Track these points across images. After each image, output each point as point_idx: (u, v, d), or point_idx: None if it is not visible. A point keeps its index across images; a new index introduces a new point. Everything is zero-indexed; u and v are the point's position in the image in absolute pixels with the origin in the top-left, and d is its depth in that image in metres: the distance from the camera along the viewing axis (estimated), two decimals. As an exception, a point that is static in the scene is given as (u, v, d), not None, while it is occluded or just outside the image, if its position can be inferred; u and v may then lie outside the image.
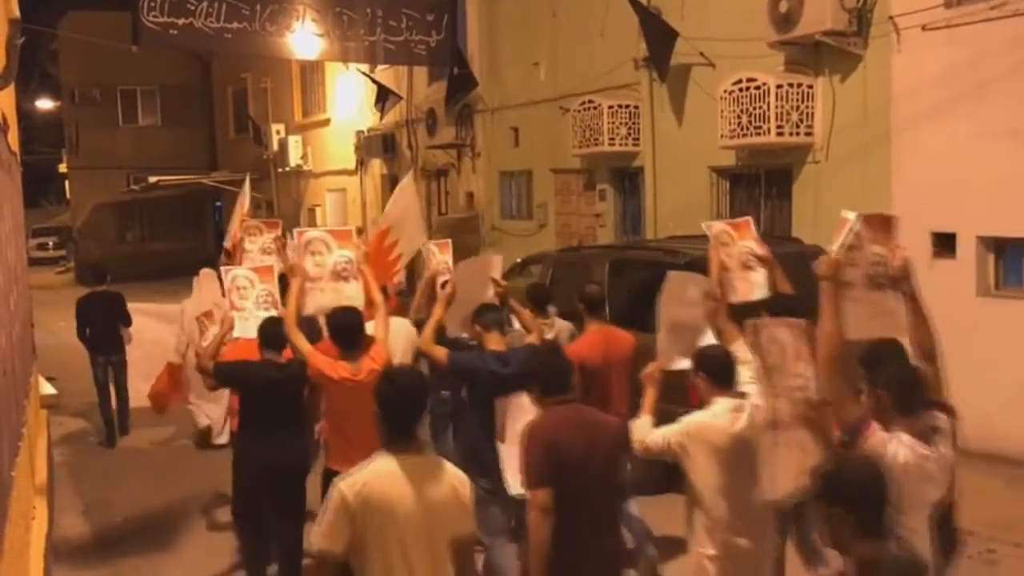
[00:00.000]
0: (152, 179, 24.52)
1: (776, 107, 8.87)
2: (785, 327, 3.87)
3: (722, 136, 9.39)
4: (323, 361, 4.93)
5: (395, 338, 5.57)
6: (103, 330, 9.37)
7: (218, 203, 25.29)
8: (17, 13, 5.16)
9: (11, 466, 4.13)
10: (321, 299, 5.47)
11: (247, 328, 5.54)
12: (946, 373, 3.86)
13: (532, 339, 5.55)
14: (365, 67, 16.84)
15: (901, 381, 3.44)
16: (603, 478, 3.82)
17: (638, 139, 11.36)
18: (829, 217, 8.93)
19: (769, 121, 8.89)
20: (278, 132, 22.12)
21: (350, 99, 19.45)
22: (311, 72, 21.85)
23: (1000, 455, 7.39)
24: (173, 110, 29.09)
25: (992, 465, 7.40)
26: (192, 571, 6.42)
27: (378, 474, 3.13)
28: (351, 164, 19.70)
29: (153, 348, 8.38)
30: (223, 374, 5.35)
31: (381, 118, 17.28)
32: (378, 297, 5.41)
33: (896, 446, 3.29)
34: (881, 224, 4.10)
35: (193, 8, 11.42)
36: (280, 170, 22.19)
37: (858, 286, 3.80)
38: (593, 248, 10.45)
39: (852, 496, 2.78)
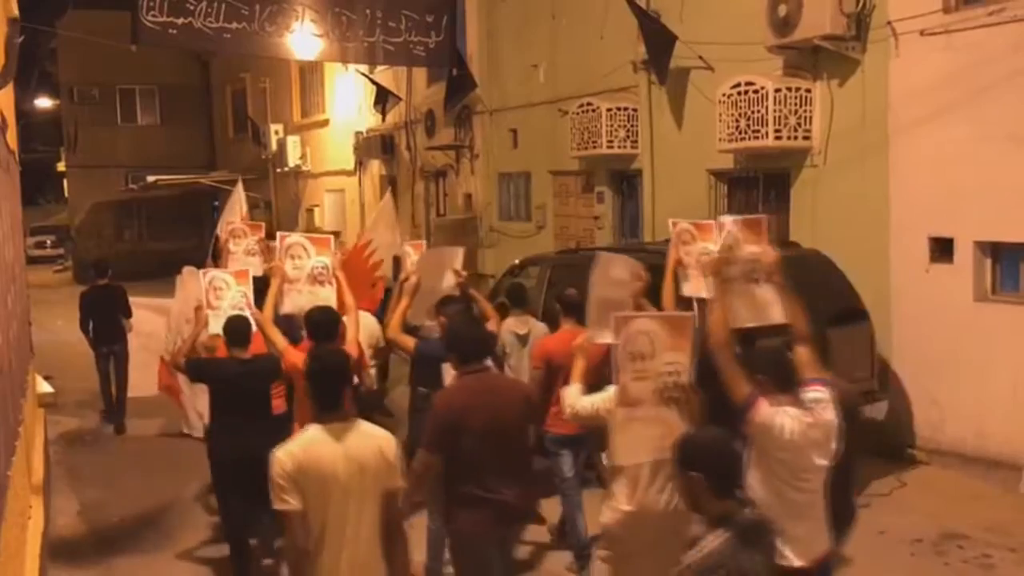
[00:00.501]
0: (150, 178, 24.53)
1: (774, 111, 8.87)
2: (657, 321, 4.27)
3: (720, 139, 9.40)
4: (297, 355, 5.21)
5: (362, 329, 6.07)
6: (106, 322, 9.89)
7: (216, 203, 25.26)
8: (16, 12, 5.17)
9: (8, 465, 4.13)
10: (298, 300, 5.92)
11: (219, 326, 5.93)
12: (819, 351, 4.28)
13: (490, 326, 6.04)
14: (364, 68, 16.85)
15: (776, 364, 3.92)
16: (506, 440, 4.24)
17: (636, 142, 11.37)
18: (827, 221, 8.98)
19: (767, 125, 8.89)
20: (277, 132, 22.13)
21: (349, 100, 19.46)
22: (310, 72, 21.86)
23: (997, 460, 7.41)
24: (172, 109, 29.08)
25: (989, 470, 7.42)
26: (188, 571, 6.43)
27: (311, 441, 3.60)
28: (350, 165, 19.70)
29: (149, 340, 8.81)
30: (193, 370, 5.93)
31: (383, 119, 17.29)
32: (349, 300, 5.85)
33: (783, 418, 3.77)
34: (754, 226, 4.66)
35: (192, 8, 11.41)
36: (279, 170, 22.20)
37: (738, 280, 4.42)
38: (591, 250, 10.47)
39: (705, 461, 3.09)
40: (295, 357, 5.20)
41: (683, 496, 3.25)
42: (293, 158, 21.56)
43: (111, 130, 28.56)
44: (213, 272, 6.42)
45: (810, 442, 3.80)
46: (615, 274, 5.25)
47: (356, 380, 5.93)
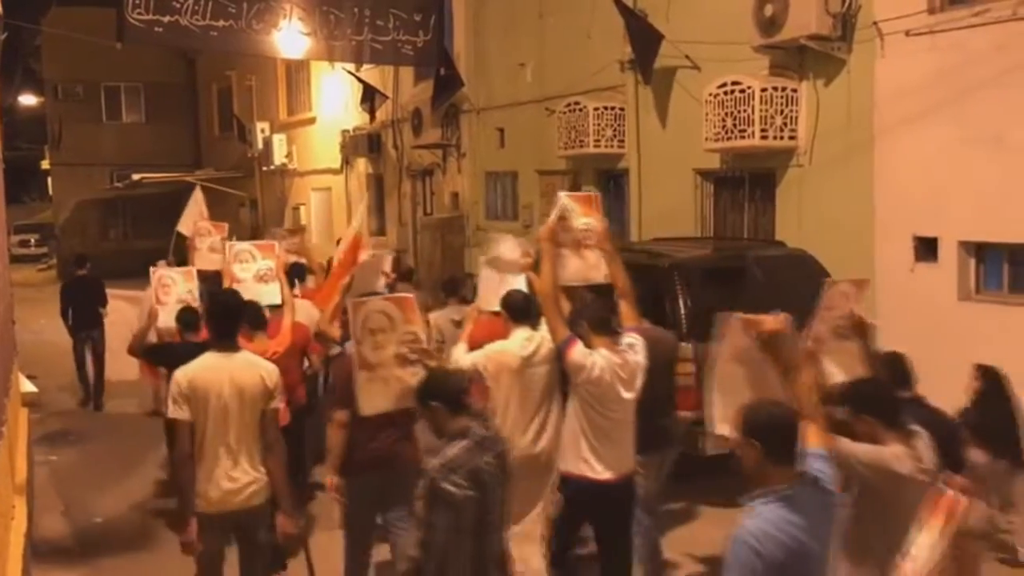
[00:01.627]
0: (135, 176, 24.42)
1: (760, 110, 8.90)
2: (387, 301, 5.04)
3: (707, 139, 9.42)
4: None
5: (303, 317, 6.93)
6: (84, 310, 10.84)
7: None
8: (0, 9, 5.13)
9: (-10, 465, 4.10)
10: (244, 295, 6.44)
11: (169, 319, 6.83)
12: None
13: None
14: (351, 66, 16.80)
15: (596, 313, 4.82)
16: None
17: (623, 141, 11.38)
18: (812, 220, 9.01)
19: (753, 124, 8.92)
20: (263, 130, 22.05)
21: (336, 98, 19.40)
22: (297, 71, 21.79)
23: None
24: (157, 107, 28.93)
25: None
26: (172, 571, 6.40)
27: (203, 366, 4.42)
28: (336, 163, 19.65)
29: (123, 328, 9.22)
30: (150, 354, 6.63)
31: (371, 119, 17.24)
32: (288, 295, 6.75)
33: (595, 358, 4.60)
34: (587, 200, 5.37)
35: (178, 6, 11.37)
36: (265, 168, 22.13)
37: (569, 246, 5.15)
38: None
39: (438, 391, 3.86)
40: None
41: (429, 422, 3.95)
42: (279, 156, 21.48)
43: (96, 128, 28.39)
44: (162, 270, 7.40)
45: (617, 378, 4.63)
46: (505, 253, 5.87)
47: (306, 363, 6.74)
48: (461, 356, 5.39)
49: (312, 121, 20.94)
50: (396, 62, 14.91)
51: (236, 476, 4.40)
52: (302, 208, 21.72)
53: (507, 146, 14.07)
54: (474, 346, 5.45)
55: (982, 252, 7.85)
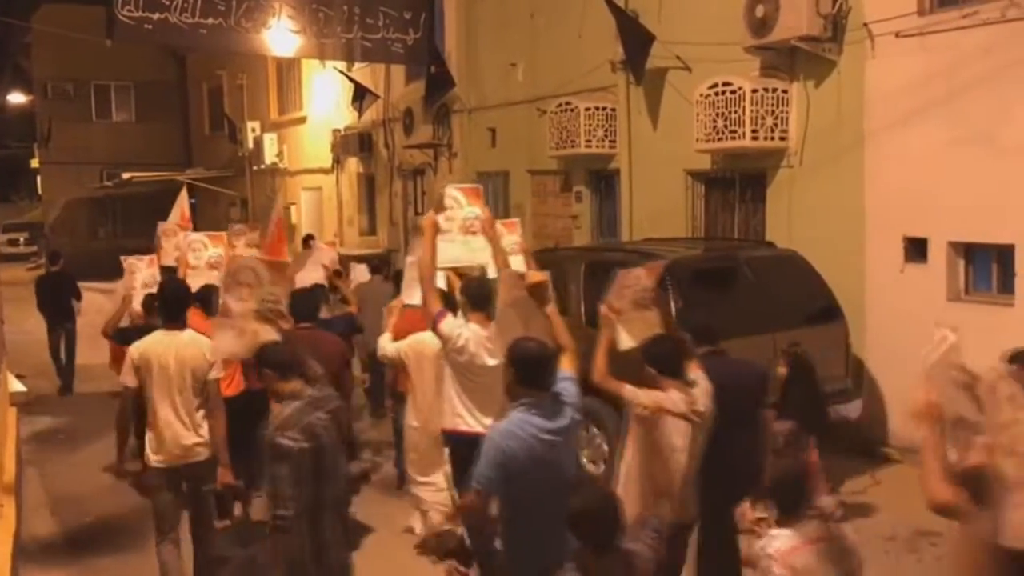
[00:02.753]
0: (125, 175, 24.31)
1: (751, 111, 8.92)
2: (263, 263, 5.56)
3: (698, 139, 9.43)
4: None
5: None
6: (58, 303, 11.67)
7: (192, 200, 25.09)
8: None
9: (-22, 464, 4.09)
10: (198, 279, 7.25)
11: (137, 303, 7.68)
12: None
13: (351, 309, 7.88)
14: (342, 65, 16.78)
15: (473, 289, 5.30)
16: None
17: (615, 141, 11.39)
18: (803, 221, 9.03)
19: (744, 125, 8.94)
20: (253, 130, 21.99)
21: (327, 97, 19.37)
22: (287, 69, 21.73)
23: (968, 458, 7.48)
24: (147, 106, 28.81)
25: (960, 468, 7.48)
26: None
27: (152, 341, 5.20)
28: (327, 162, 19.61)
29: (97, 317, 9.85)
30: (120, 337, 7.15)
31: (359, 117, 17.22)
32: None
33: (462, 330, 5.17)
34: (473, 192, 5.69)
35: (168, 3, 11.34)
36: (255, 168, 22.06)
37: (455, 232, 5.49)
38: (569, 249, 10.48)
39: (272, 363, 4.37)
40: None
41: (266, 386, 4.42)
42: (270, 156, 21.42)
43: (86, 126, 28.26)
44: (130, 259, 8.15)
45: (484, 349, 5.13)
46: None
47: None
48: (386, 345, 6.09)
49: (303, 120, 20.90)
50: (386, 60, 14.88)
51: (182, 436, 5.14)
52: (292, 208, 21.67)
53: (498, 146, 14.07)
54: (398, 336, 6.09)
55: (971, 253, 7.88)
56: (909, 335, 8.11)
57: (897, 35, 7.99)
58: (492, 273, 5.44)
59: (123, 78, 28.05)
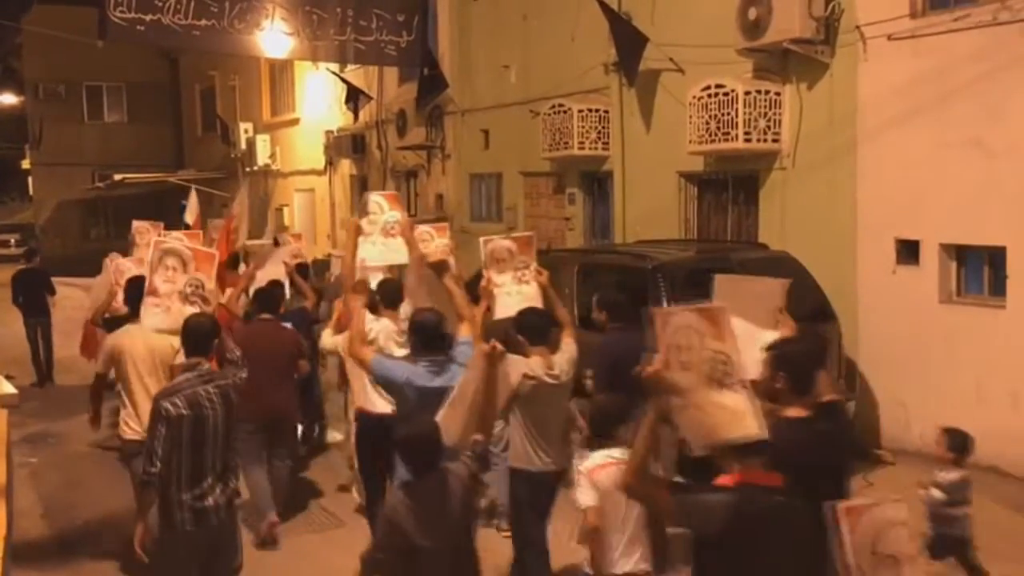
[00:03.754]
0: (117, 177, 24.26)
1: (744, 113, 8.93)
2: (191, 251, 6.01)
3: (690, 141, 9.45)
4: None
5: None
6: (33, 298, 12.30)
7: (184, 202, 25.01)
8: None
9: (-31, 467, 4.07)
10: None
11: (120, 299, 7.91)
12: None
13: (307, 304, 8.30)
14: (335, 67, 16.76)
15: (386, 289, 5.92)
16: (273, 368, 6.61)
17: (608, 143, 11.40)
18: (795, 223, 9.05)
19: (737, 127, 8.95)
20: (246, 131, 21.96)
21: (320, 99, 19.35)
22: (280, 71, 21.71)
23: (960, 460, 7.50)
24: (139, 107, 28.76)
25: (952, 469, 7.50)
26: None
27: (124, 333, 6.03)
28: (320, 164, 19.59)
29: (74, 312, 10.64)
30: (108, 326, 7.34)
31: (355, 119, 17.20)
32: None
33: (372, 324, 5.77)
34: (393, 197, 6.35)
35: (161, 4, 11.29)
36: (248, 169, 22.02)
37: (376, 234, 6.01)
38: (562, 251, 10.48)
39: (184, 340, 4.84)
40: None
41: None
42: (262, 157, 21.40)
43: (77, 127, 28.21)
44: (118, 260, 8.62)
45: (393, 341, 5.91)
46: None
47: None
48: (326, 338, 6.40)
49: (296, 122, 20.87)
50: (379, 62, 14.85)
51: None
52: (285, 209, 21.64)
53: (492, 148, 14.07)
54: (340, 331, 6.26)
55: (963, 255, 7.91)
56: (901, 337, 8.15)
57: (889, 38, 8.02)
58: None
59: (115, 79, 28.01)
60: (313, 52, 13.43)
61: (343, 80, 17.03)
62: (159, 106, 28.72)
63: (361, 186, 18.42)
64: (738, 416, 3.14)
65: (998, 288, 7.66)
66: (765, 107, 9.03)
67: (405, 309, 5.78)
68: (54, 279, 12.89)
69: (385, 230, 6.08)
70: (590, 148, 11.37)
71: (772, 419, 3.28)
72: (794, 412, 3.49)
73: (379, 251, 6.04)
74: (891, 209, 8.17)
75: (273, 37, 12.37)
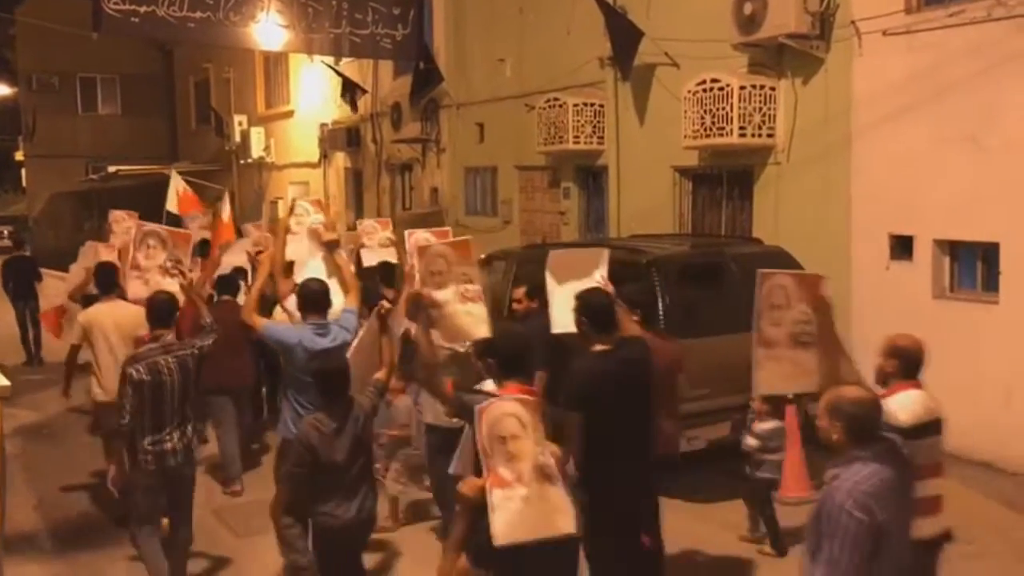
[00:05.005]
0: (111, 169, 24.17)
1: (739, 108, 8.94)
2: (168, 231, 7.25)
3: (685, 136, 9.45)
4: None
5: None
6: (22, 283, 13.36)
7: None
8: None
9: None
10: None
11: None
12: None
13: (350, 301, 8.69)
14: (330, 59, 16.73)
15: (305, 292, 5.75)
16: (233, 342, 7.00)
17: (603, 137, 11.40)
18: (789, 218, 9.06)
19: (732, 122, 8.96)
20: (240, 123, 21.91)
21: (314, 91, 19.31)
22: (275, 63, 21.65)
23: (955, 455, 7.51)
24: (133, 99, 28.68)
25: (947, 465, 7.52)
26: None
27: (94, 310, 6.93)
28: (314, 157, 19.56)
29: (55, 300, 10.91)
30: (84, 302, 7.94)
31: (352, 112, 17.16)
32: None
33: (296, 329, 5.76)
34: (318, 202, 6.82)
35: (155, -4, 11.27)
36: (242, 162, 21.99)
37: (302, 234, 6.48)
38: (556, 245, 10.48)
39: (149, 315, 5.65)
40: None
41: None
42: (257, 150, 21.36)
43: (71, 119, 28.12)
44: (97, 245, 9.23)
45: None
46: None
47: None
48: (276, 314, 6.64)
49: (290, 114, 20.83)
50: (375, 56, 14.84)
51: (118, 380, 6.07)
52: (279, 202, 21.60)
53: (486, 141, 14.07)
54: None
55: (956, 251, 7.93)
56: (895, 332, 8.16)
57: (884, 33, 8.03)
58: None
59: (109, 71, 27.92)
60: (308, 45, 13.41)
61: (338, 73, 17.00)
62: (153, 98, 28.63)
63: (356, 179, 18.41)
64: (475, 319, 5.24)
65: (991, 284, 7.68)
66: (760, 102, 9.03)
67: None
68: (44, 270, 13.78)
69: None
70: (585, 142, 11.37)
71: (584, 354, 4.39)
72: (599, 347, 4.36)
73: (304, 249, 6.61)
74: (885, 204, 8.19)
75: (268, 30, 12.36)
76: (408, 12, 13.24)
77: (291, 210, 6.72)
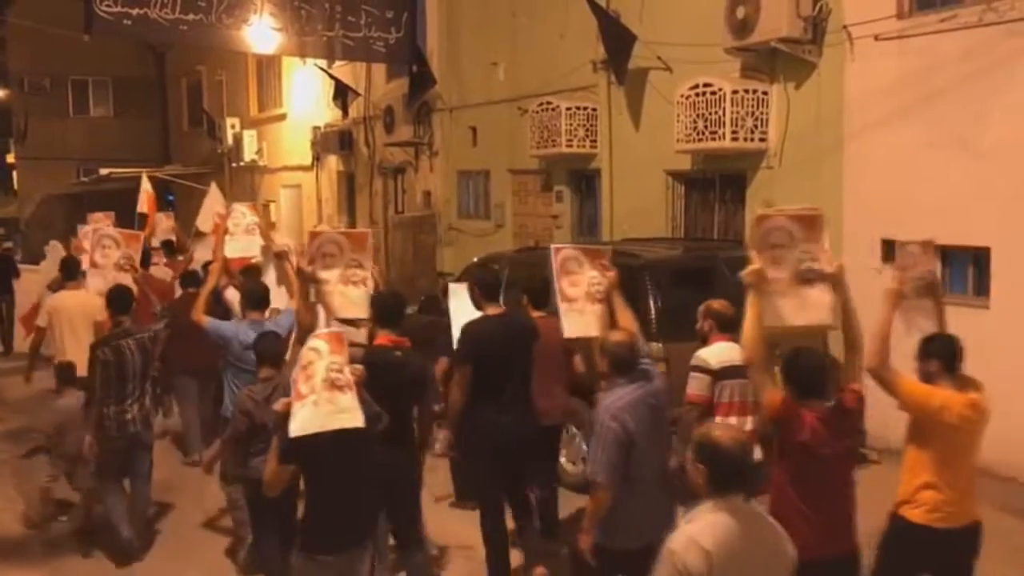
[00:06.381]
0: (103, 171, 24.07)
1: (731, 112, 8.95)
2: (120, 232, 8.28)
3: (678, 140, 9.46)
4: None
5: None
6: (0, 278, 14.60)
7: (170, 196, 24.92)
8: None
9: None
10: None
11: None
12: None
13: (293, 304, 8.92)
14: (323, 62, 16.70)
15: (248, 291, 6.55)
16: (197, 328, 6.83)
17: (596, 141, 11.40)
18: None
19: (724, 126, 8.97)
20: (233, 126, 21.84)
21: (307, 94, 19.28)
22: (267, 66, 21.61)
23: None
24: (125, 101, 28.57)
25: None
26: (135, 571, 6.34)
27: (60, 296, 7.99)
28: (307, 160, 19.52)
29: (31, 295, 11.66)
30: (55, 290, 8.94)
31: (344, 116, 17.14)
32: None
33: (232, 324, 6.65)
34: (253, 207, 7.72)
35: (147, -2, 11.24)
36: (234, 165, 21.92)
37: (239, 233, 7.56)
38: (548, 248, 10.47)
39: (110, 304, 6.68)
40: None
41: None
42: (249, 152, 21.30)
43: (63, 122, 28.00)
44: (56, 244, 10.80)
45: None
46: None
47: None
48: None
49: (283, 117, 20.79)
50: (368, 59, 14.83)
51: (81, 360, 6.83)
52: (272, 205, 21.56)
53: (479, 145, 14.06)
54: None
55: (947, 255, 7.94)
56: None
57: (876, 38, 8.04)
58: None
59: (101, 73, 27.81)
60: (301, 48, 13.39)
61: (331, 76, 16.97)
62: (145, 100, 28.53)
63: (348, 182, 18.38)
64: (350, 300, 5.84)
65: (982, 288, 7.70)
66: (752, 106, 9.04)
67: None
68: (21, 266, 15.74)
69: (247, 229, 7.61)
70: (578, 146, 11.37)
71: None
72: (490, 311, 5.69)
73: (241, 246, 7.53)
74: (876, 209, 8.20)
75: (261, 32, 12.33)
76: (401, 15, 13.23)
77: (228, 213, 7.76)
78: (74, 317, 7.71)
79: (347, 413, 4.09)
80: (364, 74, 16.84)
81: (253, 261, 7.88)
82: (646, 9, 10.38)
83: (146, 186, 14.11)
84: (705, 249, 8.90)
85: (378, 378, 4.63)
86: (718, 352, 5.16)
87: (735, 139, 9.03)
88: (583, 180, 12.14)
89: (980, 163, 7.42)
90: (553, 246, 5.68)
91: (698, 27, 9.48)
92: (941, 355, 4.61)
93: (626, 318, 5.09)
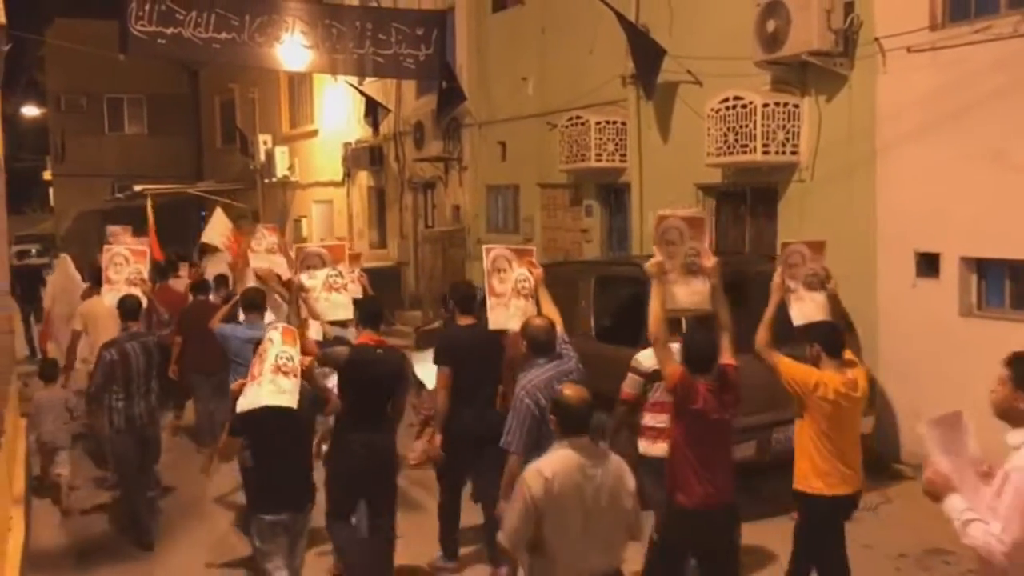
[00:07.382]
0: (137, 188, 24.40)
1: (762, 126, 8.90)
2: (129, 249, 8.68)
3: (708, 154, 9.42)
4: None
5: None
6: (28, 288, 15.37)
7: (203, 212, 25.20)
8: (3, 19, 5.15)
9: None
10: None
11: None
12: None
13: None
14: (354, 79, 16.85)
15: (246, 297, 7.49)
16: (207, 332, 7.72)
17: (625, 155, 11.39)
18: (814, 235, 8.95)
19: (755, 139, 8.92)
20: (265, 143, 22.07)
21: (338, 111, 19.45)
22: (299, 83, 21.84)
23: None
24: (160, 119, 28.96)
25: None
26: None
27: (92, 302, 8.66)
28: (338, 176, 19.68)
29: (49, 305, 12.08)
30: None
31: (375, 132, 17.26)
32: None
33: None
34: (274, 229, 8.66)
35: (182, 18, 11.42)
36: (266, 181, 22.14)
37: (261, 252, 8.55)
38: (579, 263, 10.46)
39: (119, 309, 7.46)
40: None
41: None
42: (281, 169, 21.50)
43: (98, 139, 28.42)
44: (65, 261, 11.27)
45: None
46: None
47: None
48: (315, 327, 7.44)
49: (314, 134, 20.98)
50: (398, 76, 14.96)
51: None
52: (303, 221, 21.73)
53: (509, 160, 14.09)
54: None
55: (983, 268, 7.84)
56: (921, 350, 8.08)
57: (909, 50, 7.98)
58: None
59: (136, 91, 28.22)
60: (332, 65, 13.53)
61: (361, 93, 17.11)
62: (179, 118, 28.91)
63: (379, 198, 18.50)
64: (332, 304, 6.38)
65: (1019, 302, 7.58)
66: (783, 119, 8.99)
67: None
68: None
69: (267, 249, 8.59)
70: (607, 160, 11.36)
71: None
72: (463, 321, 6.22)
73: (263, 265, 8.29)
74: (911, 222, 8.12)
75: (293, 50, 12.47)
76: (431, 32, 13.33)
77: (255, 235, 8.78)
78: (106, 320, 8.24)
79: (286, 395, 4.65)
80: (394, 90, 16.97)
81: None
82: (675, 23, 10.37)
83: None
84: (736, 263, 8.83)
85: (361, 371, 5.55)
86: (651, 355, 5.38)
87: (766, 152, 8.98)
88: (612, 194, 12.13)
89: (1016, 175, 7.31)
90: (485, 246, 6.13)
91: (728, 41, 9.45)
92: (820, 339, 5.05)
93: (550, 309, 5.66)
